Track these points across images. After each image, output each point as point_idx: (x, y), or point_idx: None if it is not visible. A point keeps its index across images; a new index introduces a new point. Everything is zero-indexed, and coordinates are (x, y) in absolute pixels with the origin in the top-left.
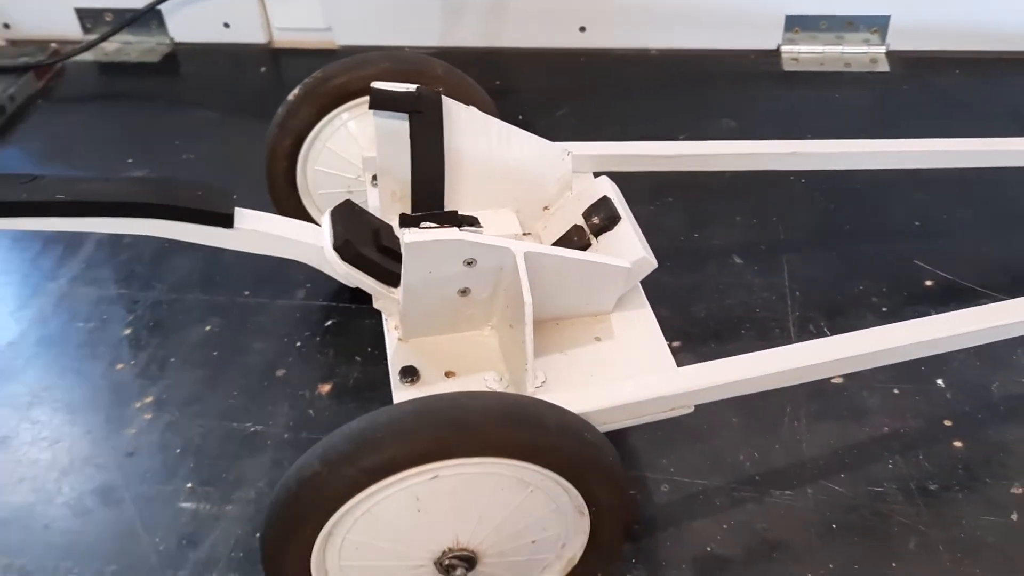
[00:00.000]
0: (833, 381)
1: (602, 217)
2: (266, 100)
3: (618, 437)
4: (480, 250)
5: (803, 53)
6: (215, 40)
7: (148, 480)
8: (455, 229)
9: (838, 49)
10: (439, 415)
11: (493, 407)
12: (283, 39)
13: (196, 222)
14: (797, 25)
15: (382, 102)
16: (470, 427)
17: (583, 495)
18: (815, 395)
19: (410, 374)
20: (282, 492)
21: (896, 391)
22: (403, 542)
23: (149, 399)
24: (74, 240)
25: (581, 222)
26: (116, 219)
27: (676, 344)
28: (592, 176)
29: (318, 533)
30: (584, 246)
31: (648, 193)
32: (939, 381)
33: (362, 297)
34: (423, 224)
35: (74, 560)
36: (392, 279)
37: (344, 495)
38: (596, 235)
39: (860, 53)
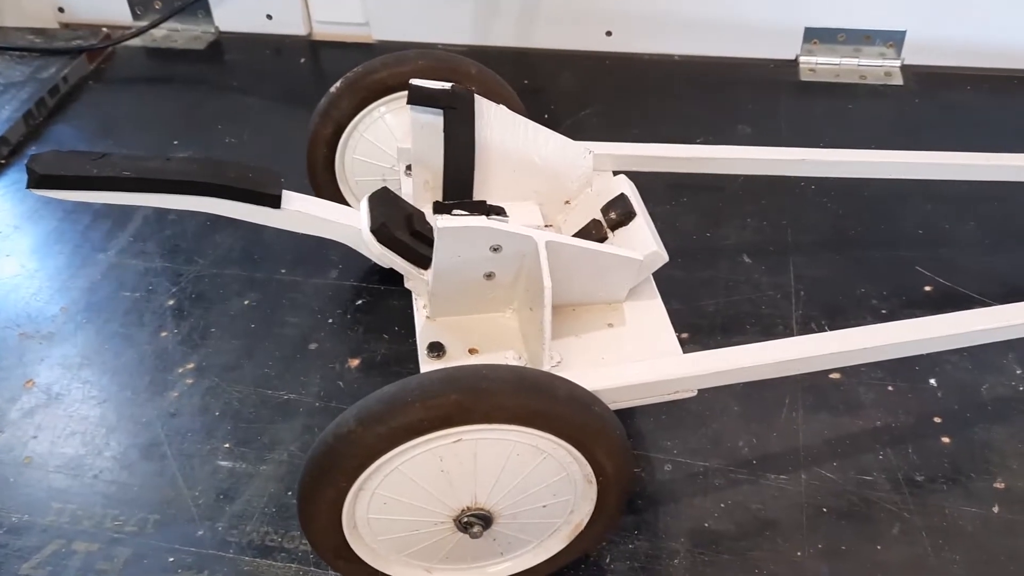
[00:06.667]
0: (831, 377)
1: (619, 213)
2: (305, 89)
3: (626, 419)
4: (506, 237)
5: (820, 64)
6: (258, 30)
7: (189, 439)
8: (484, 217)
9: (854, 62)
10: (463, 382)
11: (512, 378)
12: (323, 32)
13: (248, 202)
14: (816, 37)
15: (419, 98)
16: (490, 394)
17: (591, 464)
18: (812, 389)
19: (436, 349)
20: (320, 446)
21: (890, 388)
22: (426, 499)
23: (191, 365)
24: (122, 215)
25: (599, 216)
26: (175, 196)
27: (684, 335)
28: (611, 174)
29: (351, 485)
30: (601, 239)
31: (665, 193)
32: (932, 381)
33: (390, 279)
34: (455, 211)
35: (120, 508)
36: (423, 261)
37: (376, 452)
38: (612, 229)
39: (875, 66)
